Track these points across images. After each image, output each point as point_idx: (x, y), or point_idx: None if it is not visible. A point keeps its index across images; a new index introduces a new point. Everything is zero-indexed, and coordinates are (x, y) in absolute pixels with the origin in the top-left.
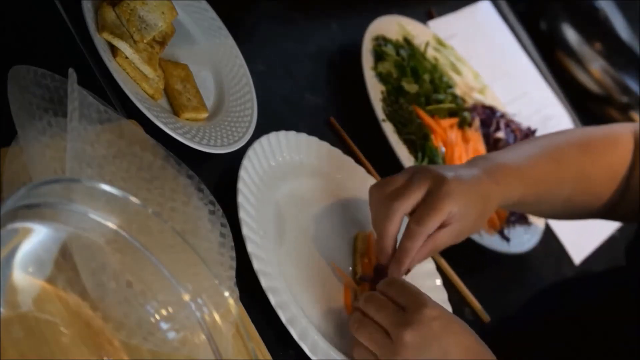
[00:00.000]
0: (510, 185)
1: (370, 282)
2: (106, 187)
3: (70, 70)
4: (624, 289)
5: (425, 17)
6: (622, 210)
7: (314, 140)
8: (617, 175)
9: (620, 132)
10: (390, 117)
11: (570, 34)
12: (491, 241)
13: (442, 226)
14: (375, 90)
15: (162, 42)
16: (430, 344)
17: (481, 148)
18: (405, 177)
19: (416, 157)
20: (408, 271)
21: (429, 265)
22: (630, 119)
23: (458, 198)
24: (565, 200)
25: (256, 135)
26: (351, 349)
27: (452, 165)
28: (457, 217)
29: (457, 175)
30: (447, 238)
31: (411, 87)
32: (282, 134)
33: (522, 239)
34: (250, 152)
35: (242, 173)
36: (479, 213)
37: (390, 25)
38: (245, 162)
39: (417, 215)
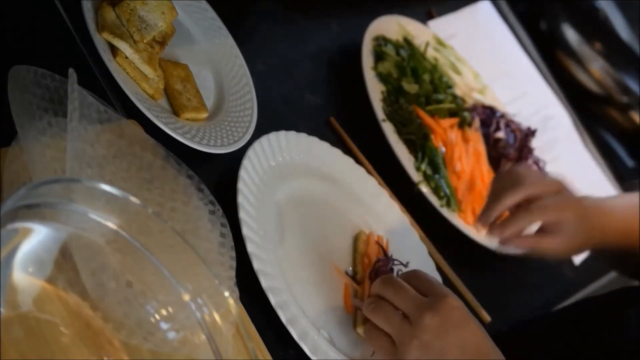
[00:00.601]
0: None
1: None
2: (106, 187)
3: (71, 70)
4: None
5: (425, 17)
6: None
7: (314, 140)
8: None
9: None
10: (390, 117)
11: (570, 34)
12: (491, 241)
13: (551, 231)
14: (375, 90)
15: (162, 42)
16: (448, 331)
17: (481, 148)
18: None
19: (416, 157)
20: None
21: (429, 265)
22: (630, 119)
23: (573, 214)
24: None
25: (256, 135)
26: (365, 333)
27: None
28: (566, 229)
29: (574, 199)
30: (554, 243)
31: (411, 87)
32: (282, 134)
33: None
34: (250, 152)
35: (242, 173)
36: (582, 239)
37: (390, 25)
38: (245, 162)
39: (543, 200)
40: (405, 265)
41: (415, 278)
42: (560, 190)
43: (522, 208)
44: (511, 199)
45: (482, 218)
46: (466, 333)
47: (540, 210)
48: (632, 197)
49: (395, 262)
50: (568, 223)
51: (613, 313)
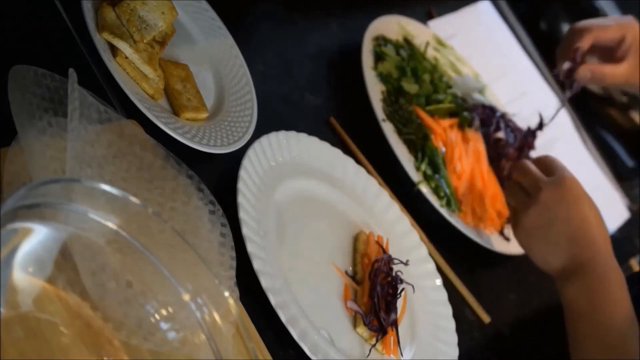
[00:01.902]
0: None
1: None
2: (106, 187)
3: (71, 70)
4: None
5: (425, 17)
6: None
7: (314, 140)
8: None
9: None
10: (390, 117)
11: None
12: (491, 241)
13: (618, 59)
14: (375, 90)
15: (162, 42)
16: (558, 205)
17: (481, 148)
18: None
19: (416, 157)
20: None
21: (429, 265)
22: (630, 119)
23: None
24: None
25: (256, 135)
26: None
27: None
28: (632, 52)
29: None
30: (624, 67)
31: (411, 87)
32: (282, 134)
33: None
34: (250, 152)
35: (242, 173)
36: None
37: (390, 25)
38: (245, 162)
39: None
40: (406, 264)
41: (542, 162)
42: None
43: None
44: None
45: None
46: (574, 209)
47: (595, 26)
48: None
49: (395, 262)
50: (627, 41)
51: None
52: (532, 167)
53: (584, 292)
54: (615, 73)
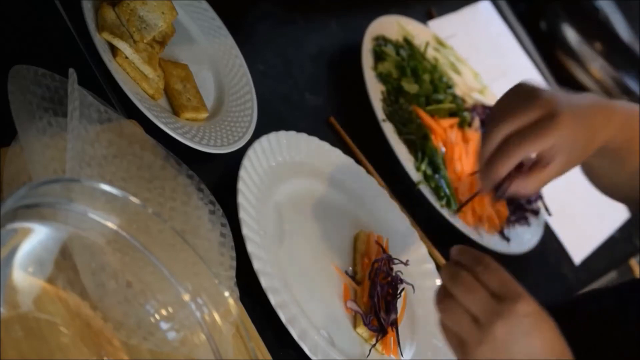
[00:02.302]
0: (616, 128)
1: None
2: (106, 187)
3: (71, 70)
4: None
5: (425, 17)
6: None
7: (314, 140)
8: None
9: None
10: (390, 117)
11: (570, 34)
12: (491, 241)
13: (548, 159)
14: (375, 90)
15: (162, 42)
16: (517, 340)
17: None
18: (517, 99)
19: (416, 157)
20: (505, 197)
21: (428, 265)
22: None
23: (566, 132)
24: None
25: (256, 135)
26: (440, 326)
27: (571, 94)
28: (563, 150)
29: (571, 107)
30: (554, 170)
31: (411, 87)
32: (282, 134)
33: (522, 239)
34: (250, 152)
35: (242, 173)
36: (583, 149)
37: (390, 25)
38: (245, 162)
39: (519, 137)
40: (406, 264)
41: (486, 270)
42: (536, 113)
43: (498, 151)
44: (490, 143)
45: (484, 183)
46: (537, 342)
47: (517, 148)
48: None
49: (395, 262)
50: (555, 145)
51: (613, 308)
52: (476, 283)
53: None
54: (544, 179)
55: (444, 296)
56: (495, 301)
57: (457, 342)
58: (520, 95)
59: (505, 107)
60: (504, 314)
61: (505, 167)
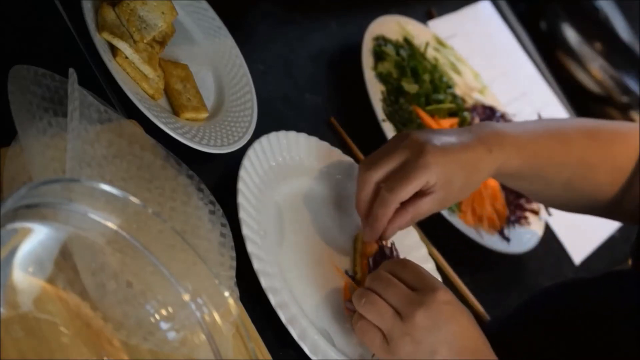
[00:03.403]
0: (505, 154)
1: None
2: (106, 187)
3: (71, 70)
4: (627, 290)
5: (425, 17)
6: (624, 208)
7: (314, 140)
8: (621, 170)
9: (630, 128)
10: (390, 117)
11: (570, 34)
12: (491, 241)
13: (423, 194)
14: (375, 90)
15: (162, 42)
16: (439, 327)
17: None
18: (388, 145)
19: None
20: (386, 239)
21: (428, 265)
22: (630, 119)
23: (436, 169)
24: (565, 183)
25: (256, 135)
26: (353, 324)
27: (443, 130)
28: (438, 186)
29: (441, 143)
30: (428, 206)
31: (411, 87)
32: (282, 134)
33: (522, 239)
34: (250, 152)
35: (242, 173)
36: (463, 181)
37: (390, 25)
38: (245, 162)
39: (390, 183)
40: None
41: (404, 269)
42: (402, 155)
43: (377, 202)
44: (363, 204)
45: (370, 236)
46: (456, 328)
47: (391, 194)
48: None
49: (392, 250)
50: (428, 182)
51: (614, 315)
52: (394, 279)
53: None
54: (422, 212)
55: (365, 295)
56: (413, 293)
57: (380, 340)
58: (391, 141)
59: (376, 154)
60: (425, 302)
61: (385, 216)
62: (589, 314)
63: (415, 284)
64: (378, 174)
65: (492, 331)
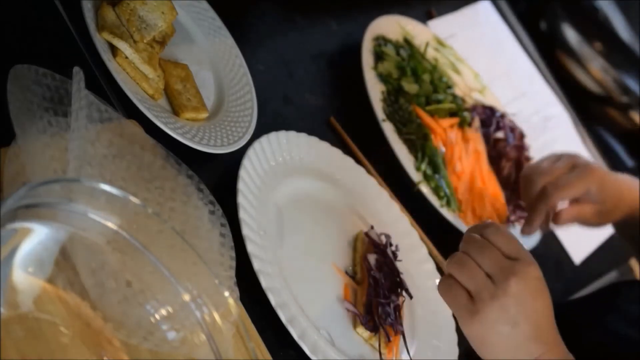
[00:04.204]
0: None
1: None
2: (106, 187)
3: (76, 69)
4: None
5: (425, 17)
6: None
7: (314, 140)
8: None
9: None
10: (390, 117)
11: (570, 34)
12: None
13: (584, 201)
14: (375, 90)
15: (162, 42)
16: (527, 300)
17: (481, 148)
18: (555, 156)
19: (416, 157)
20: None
21: (429, 265)
22: (630, 119)
23: (596, 184)
24: None
25: (256, 135)
26: (438, 284)
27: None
28: (595, 198)
29: (603, 169)
30: (590, 212)
31: (411, 87)
32: (282, 134)
33: (522, 239)
34: (250, 152)
35: (242, 173)
36: (612, 206)
37: (390, 25)
38: (245, 162)
39: (557, 181)
40: (396, 255)
41: (498, 235)
42: (574, 164)
43: (539, 196)
44: (528, 196)
45: (529, 229)
46: (540, 306)
47: (556, 191)
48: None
49: (390, 245)
50: (589, 190)
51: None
52: (489, 245)
53: None
54: (584, 214)
55: (457, 255)
56: (509, 261)
57: (465, 299)
58: (552, 156)
59: (540, 164)
60: (519, 273)
61: (544, 210)
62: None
63: (509, 252)
64: (545, 179)
65: None
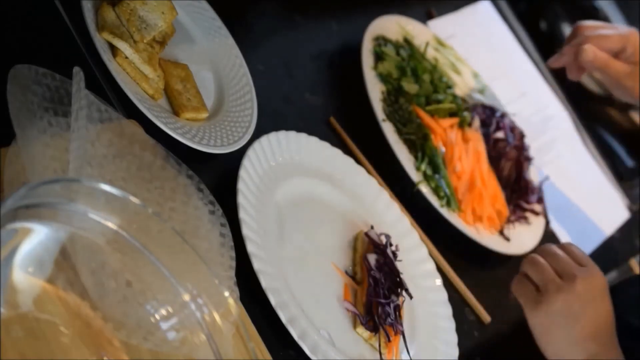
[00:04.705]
0: None
1: None
2: (106, 187)
3: (77, 69)
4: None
5: (425, 17)
6: None
7: (314, 140)
8: None
9: None
10: (390, 117)
11: None
12: (491, 241)
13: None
14: (375, 90)
15: (162, 42)
16: (590, 301)
17: (481, 148)
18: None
19: (416, 157)
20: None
21: (429, 265)
22: (630, 119)
23: (636, 42)
24: None
25: (256, 135)
26: (513, 284)
27: None
28: (631, 59)
29: None
30: (622, 68)
31: (411, 87)
32: (282, 134)
33: (522, 239)
34: (250, 152)
35: (242, 173)
36: None
37: (390, 25)
38: (245, 162)
39: (595, 31)
40: (396, 255)
41: (572, 247)
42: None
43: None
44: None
45: (552, 62)
46: (602, 310)
47: (591, 35)
48: None
49: (388, 243)
50: (626, 50)
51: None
52: (562, 252)
53: None
54: (616, 66)
55: (530, 257)
56: (578, 266)
57: (533, 292)
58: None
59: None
60: (586, 276)
61: (573, 45)
62: None
63: (580, 260)
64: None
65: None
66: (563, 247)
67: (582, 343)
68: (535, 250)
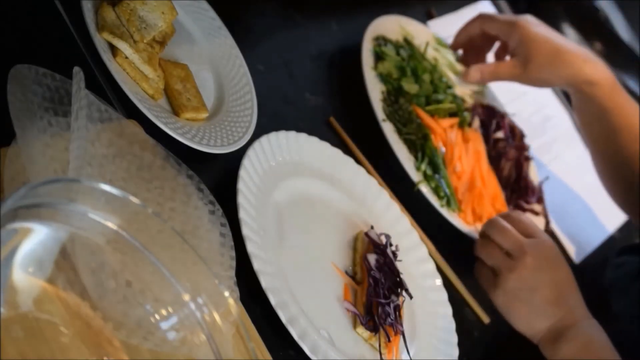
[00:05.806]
0: None
1: None
2: (106, 187)
3: (77, 69)
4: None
5: (425, 17)
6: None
7: (314, 140)
8: None
9: None
10: (390, 117)
11: (570, 34)
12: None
13: (511, 55)
14: (375, 90)
15: (162, 42)
16: (543, 270)
17: (481, 148)
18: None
19: (416, 157)
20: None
21: (429, 265)
22: None
23: (523, 32)
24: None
25: (256, 135)
26: (475, 268)
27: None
28: (520, 53)
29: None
30: (510, 67)
31: (411, 87)
32: (282, 134)
33: None
34: (250, 152)
35: (242, 173)
36: (546, 62)
37: (390, 25)
38: (245, 162)
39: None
40: (396, 255)
41: (516, 221)
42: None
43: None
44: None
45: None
46: (559, 275)
47: (487, 18)
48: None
49: (388, 243)
50: (514, 43)
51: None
52: (509, 226)
53: (578, 354)
54: (505, 70)
55: (480, 240)
56: (526, 239)
57: (491, 277)
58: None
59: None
60: (534, 246)
61: (466, 30)
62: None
63: (526, 232)
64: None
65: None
66: (508, 217)
67: (544, 311)
68: (483, 226)
